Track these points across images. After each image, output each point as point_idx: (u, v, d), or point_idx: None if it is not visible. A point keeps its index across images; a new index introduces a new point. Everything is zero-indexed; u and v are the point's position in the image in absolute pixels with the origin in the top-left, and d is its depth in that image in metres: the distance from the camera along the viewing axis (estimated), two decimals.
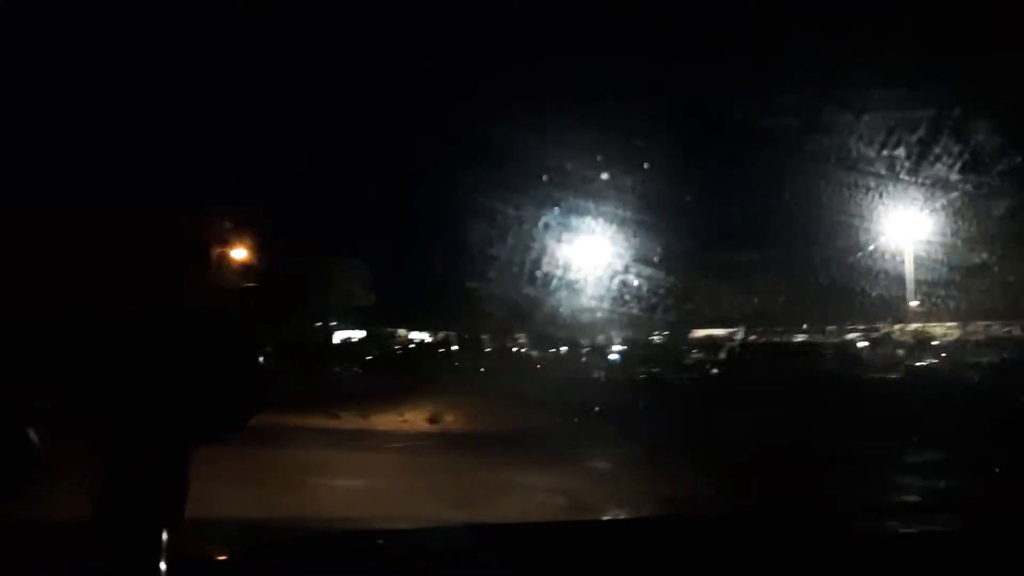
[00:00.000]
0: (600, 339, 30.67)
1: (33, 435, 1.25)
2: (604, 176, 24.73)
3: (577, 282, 27.88)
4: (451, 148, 25.48)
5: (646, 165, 23.98)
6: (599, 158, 24.21)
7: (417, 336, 34.95)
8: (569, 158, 23.89)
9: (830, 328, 29.16)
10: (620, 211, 25.88)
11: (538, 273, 26.64)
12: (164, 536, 1.24)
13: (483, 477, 8.40)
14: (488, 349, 31.96)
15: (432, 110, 25.46)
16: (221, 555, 1.77)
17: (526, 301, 28.37)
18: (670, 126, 23.07)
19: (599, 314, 28.73)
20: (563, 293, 27.76)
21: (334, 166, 25.49)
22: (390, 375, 26.76)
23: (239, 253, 24.48)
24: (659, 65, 23.45)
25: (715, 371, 22.87)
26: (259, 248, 25.05)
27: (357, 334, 34.93)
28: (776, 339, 27.60)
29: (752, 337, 28.18)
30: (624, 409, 14.05)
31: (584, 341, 29.96)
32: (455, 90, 25.86)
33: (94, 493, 1.24)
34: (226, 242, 24.18)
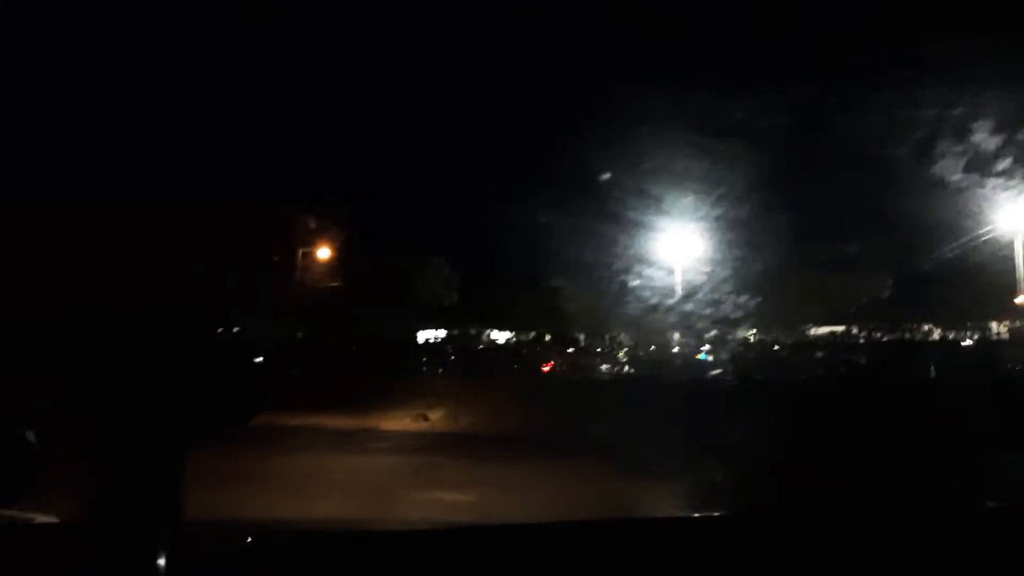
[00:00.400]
0: (691, 338, 29.80)
1: (31, 436, 1.25)
2: (692, 171, 23.94)
3: (666, 280, 27.13)
4: (535, 147, 24.99)
5: (739, 160, 23.18)
6: (688, 153, 23.49)
7: (500, 336, 34.60)
8: (656, 155, 23.26)
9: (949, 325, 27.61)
10: (711, 207, 25.10)
11: (625, 272, 26.00)
12: (162, 536, 1.25)
13: None
14: (571, 350, 31.37)
15: (516, 108, 25.06)
16: (219, 555, 1.72)
17: (611, 300, 27.66)
18: (767, 119, 22.09)
19: (689, 313, 27.86)
20: (650, 292, 27.02)
21: (420, 166, 25.29)
22: (475, 375, 26.42)
23: (323, 253, 24.30)
24: (754, 59, 22.54)
25: (848, 373, 20.48)
26: (344, 248, 24.87)
27: (438, 333, 34.77)
28: (906, 336, 26.10)
29: (879, 335, 26.73)
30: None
31: (675, 341, 29.09)
32: (537, 90, 25.38)
33: (92, 494, 1.24)
34: (311, 242, 24.05)
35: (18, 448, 1.24)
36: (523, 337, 33.34)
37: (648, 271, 26.70)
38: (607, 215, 24.33)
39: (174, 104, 20.51)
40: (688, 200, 25.47)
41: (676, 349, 28.84)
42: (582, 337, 30.94)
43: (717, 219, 24.98)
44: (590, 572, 1.73)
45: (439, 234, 27.63)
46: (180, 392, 1.26)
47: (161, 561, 1.23)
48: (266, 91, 21.59)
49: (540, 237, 26.04)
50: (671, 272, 27.68)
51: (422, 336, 34.14)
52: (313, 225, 24.18)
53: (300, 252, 23.90)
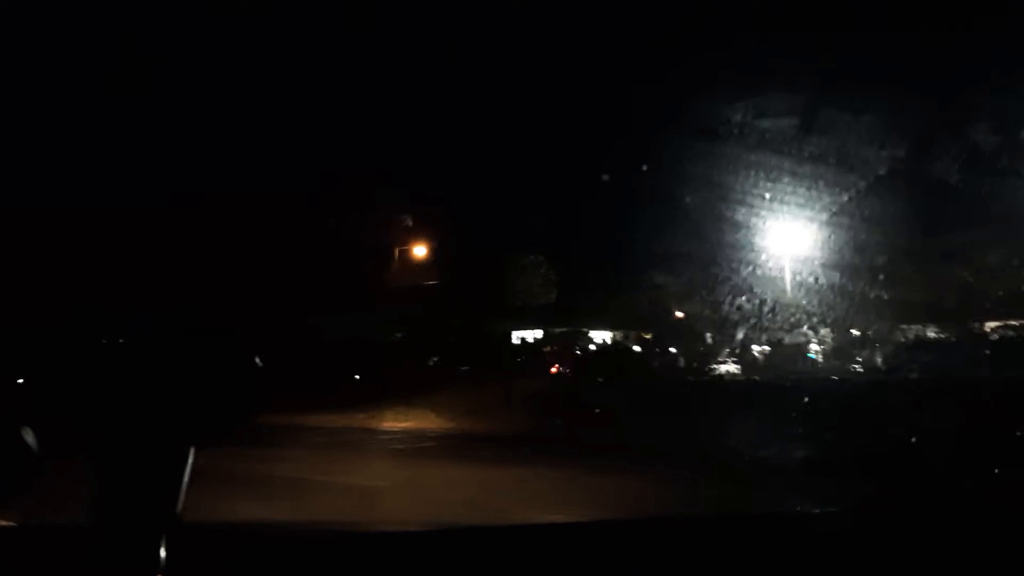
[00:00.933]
0: (800, 337, 28.47)
1: (30, 436, 1.25)
2: (798, 164, 22.73)
3: (771, 275, 25.90)
4: (634, 140, 24.14)
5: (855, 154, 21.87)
6: (797, 146, 22.32)
7: (599, 336, 33.76)
8: (765, 147, 22.18)
9: None
10: (822, 199, 23.81)
11: (730, 267, 24.91)
12: (162, 538, 1.25)
13: None
14: (673, 349, 30.34)
15: (615, 100, 24.32)
16: (219, 558, 1.70)
17: (716, 298, 26.54)
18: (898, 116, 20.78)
19: (797, 310, 26.54)
20: (757, 287, 25.84)
21: (517, 162, 24.70)
22: (572, 376, 25.67)
23: (420, 251, 23.83)
24: (886, 53, 21.24)
25: None
26: (440, 246, 24.39)
27: (535, 333, 34.14)
28: None
29: None
30: None
31: (786, 340, 27.80)
32: (635, 81, 24.55)
33: (91, 495, 1.24)
34: (407, 240, 23.63)
35: (17, 448, 1.23)
36: (623, 336, 32.34)
37: (755, 267, 25.53)
38: (712, 209, 23.32)
39: (269, 97, 20.43)
40: (798, 193, 24.22)
41: (785, 346, 27.65)
42: (684, 336, 29.92)
43: (832, 212, 23.63)
44: (589, 573, 1.70)
45: (537, 231, 26.94)
46: (181, 392, 1.25)
47: (162, 563, 1.23)
48: (365, 85, 21.35)
49: (641, 232, 25.18)
50: (780, 267, 26.42)
51: (517, 336, 33.69)
52: (410, 223, 23.74)
53: (397, 250, 23.48)
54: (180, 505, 1.26)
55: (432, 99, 22.62)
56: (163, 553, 1.23)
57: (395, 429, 15.84)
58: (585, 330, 33.64)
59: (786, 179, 23.06)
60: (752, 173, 22.48)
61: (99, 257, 19.38)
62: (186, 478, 1.26)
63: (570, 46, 22.88)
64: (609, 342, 33.29)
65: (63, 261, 19.08)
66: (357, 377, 23.92)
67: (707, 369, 25.69)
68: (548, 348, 31.71)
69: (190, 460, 1.27)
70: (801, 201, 24.01)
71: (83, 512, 1.24)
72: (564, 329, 33.03)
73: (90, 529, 1.24)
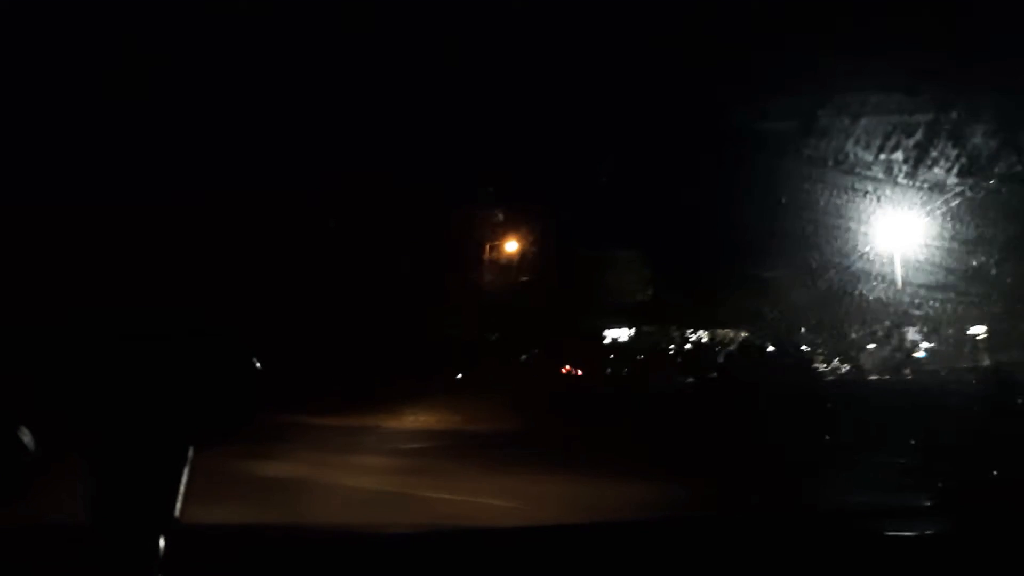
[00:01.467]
0: (907, 334, 26.91)
1: (26, 436, 1.25)
2: (916, 145, 21.36)
3: (884, 270, 24.43)
4: (736, 122, 23.00)
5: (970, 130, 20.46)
6: (908, 125, 21.00)
7: (694, 335, 32.50)
8: (875, 128, 20.94)
9: None
10: (941, 189, 22.34)
11: (836, 261, 23.59)
12: (161, 540, 1.25)
13: None
14: (770, 348, 28.95)
15: (709, 87, 23.35)
16: (217, 560, 1.70)
17: (821, 294, 25.17)
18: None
19: (906, 305, 25.03)
20: (866, 281, 24.43)
21: (611, 153, 23.85)
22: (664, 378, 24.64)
23: (511, 246, 23.05)
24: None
25: None
26: (533, 241, 23.59)
27: (626, 332, 33.09)
28: None
29: None
30: None
31: (892, 338, 26.27)
32: (734, 65, 23.54)
33: (89, 496, 1.24)
34: (499, 236, 22.90)
35: (15, 449, 1.23)
36: (718, 336, 30.96)
37: (864, 260, 24.15)
38: (817, 199, 22.05)
39: (349, 87, 20.19)
40: (914, 183, 22.78)
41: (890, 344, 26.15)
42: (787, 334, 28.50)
43: (951, 204, 22.12)
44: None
45: (632, 225, 25.93)
46: (180, 393, 1.24)
47: (160, 564, 1.23)
48: (456, 74, 20.95)
49: (738, 226, 24.04)
50: (889, 260, 24.93)
51: (608, 335, 32.69)
52: (501, 217, 23.03)
53: (488, 246, 22.77)
54: (179, 506, 1.26)
55: (524, 90, 22.08)
56: (161, 554, 1.23)
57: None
58: (680, 329, 32.44)
59: (901, 168, 21.75)
60: (862, 162, 21.31)
61: (107, 256, 19.42)
62: (185, 479, 1.26)
63: (664, 32, 22.07)
64: (705, 340, 32.08)
65: (67, 260, 19.16)
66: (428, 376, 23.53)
67: (824, 368, 24.35)
68: (670, 349, 30.65)
69: (189, 461, 1.27)
70: (917, 191, 22.63)
71: (81, 513, 1.25)
72: (664, 327, 31.83)
73: (88, 530, 1.24)
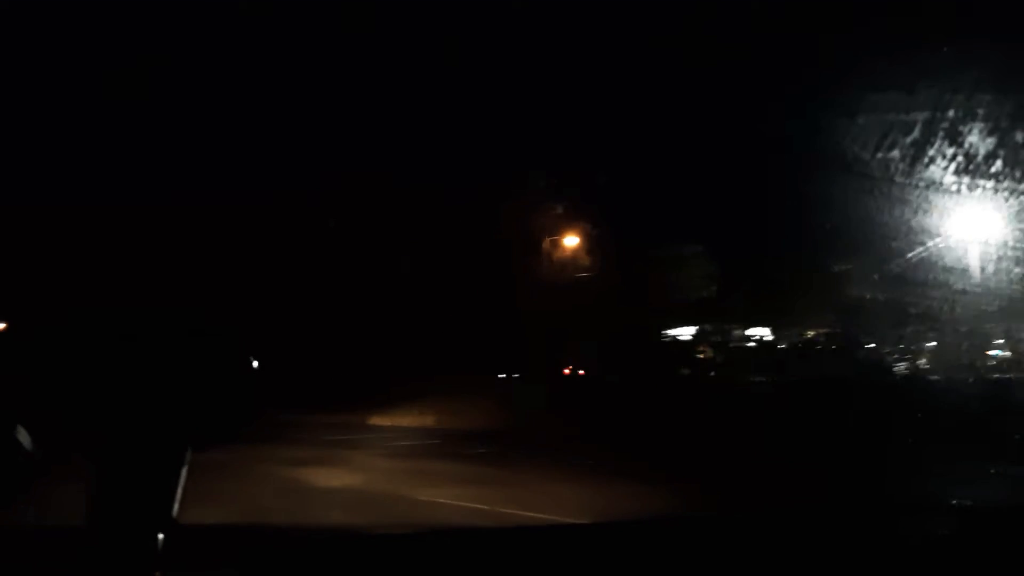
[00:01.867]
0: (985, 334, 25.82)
1: (25, 437, 1.24)
2: (995, 143, 20.48)
3: (958, 263, 23.41)
4: (806, 108, 22.28)
5: None
6: (983, 122, 20.13)
7: (758, 333, 31.48)
8: (953, 126, 20.09)
9: None
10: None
11: (905, 254, 22.63)
12: (159, 539, 1.26)
13: None
14: (834, 346, 27.97)
15: (775, 74, 22.72)
16: (214, 560, 1.69)
17: (890, 289, 24.19)
18: None
19: (982, 303, 23.99)
20: (938, 277, 23.42)
21: (674, 143, 23.26)
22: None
23: (571, 241, 22.46)
24: None
25: None
26: (593, 235, 22.99)
27: (687, 331, 32.23)
28: None
29: None
30: None
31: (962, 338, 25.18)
32: (805, 52, 22.93)
33: (88, 496, 1.26)
34: (557, 230, 22.36)
35: (13, 449, 1.23)
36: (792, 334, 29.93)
37: (936, 252, 23.13)
38: (885, 189, 21.20)
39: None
40: (989, 174, 21.78)
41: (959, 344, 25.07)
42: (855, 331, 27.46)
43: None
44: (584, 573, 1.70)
45: (696, 219, 25.23)
46: (179, 394, 1.25)
47: (158, 563, 1.25)
48: (523, 62, 20.72)
49: (807, 219, 23.26)
50: (964, 253, 23.86)
51: (668, 334, 31.89)
52: (560, 210, 22.49)
53: (546, 240, 22.25)
54: (176, 506, 1.27)
55: (590, 81, 21.71)
56: (159, 553, 1.24)
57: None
58: (739, 327, 31.52)
59: (976, 161, 20.82)
60: (937, 153, 20.43)
61: (107, 256, 19.41)
62: (183, 479, 1.27)
63: (737, 26, 21.55)
64: (769, 338, 31.14)
65: (67, 260, 19.19)
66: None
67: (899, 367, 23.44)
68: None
69: (187, 461, 1.27)
70: (993, 184, 21.63)
71: (81, 513, 1.25)
72: (728, 326, 30.87)
73: (87, 530, 1.26)
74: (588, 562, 1.78)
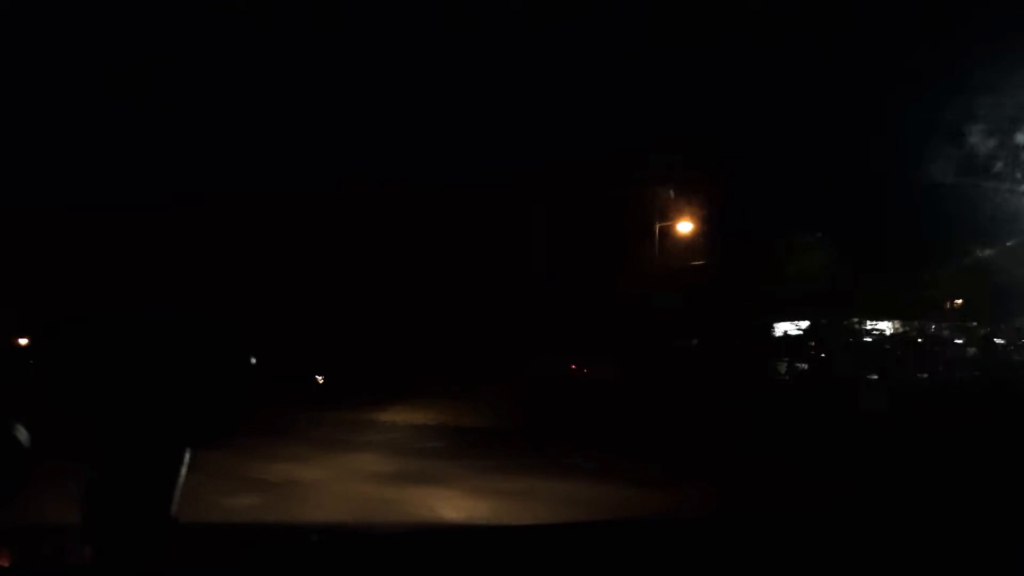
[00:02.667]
0: None
1: (22, 434, 1.27)
2: None
3: None
4: (938, 85, 20.68)
5: None
6: None
7: (886, 327, 29.52)
8: None
9: None
10: None
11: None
12: (158, 537, 1.26)
13: None
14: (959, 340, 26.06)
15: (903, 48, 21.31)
16: (212, 557, 1.66)
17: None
18: None
19: None
20: None
21: (794, 123, 21.91)
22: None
23: (685, 227, 21.22)
24: None
25: None
26: (708, 221, 21.73)
27: (799, 325, 30.55)
28: None
29: None
30: None
31: None
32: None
33: (88, 495, 1.25)
34: (670, 215, 21.16)
35: (10, 446, 1.25)
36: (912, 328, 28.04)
37: None
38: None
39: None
40: None
41: None
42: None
43: None
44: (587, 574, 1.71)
45: (815, 204, 23.71)
46: (177, 393, 1.25)
47: (157, 562, 1.25)
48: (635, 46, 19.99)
49: (935, 204, 21.57)
50: None
51: (779, 328, 30.26)
52: (672, 195, 21.29)
53: (657, 227, 21.06)
54: (175, 505, 1.27)
55: (707, 64, 20.86)
56: (158, 552, 1.24)
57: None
58: (861, 321, 29.67)
59: None
60: None
61: (112, 257, 19.46)
62: (181, 478, 1.27)
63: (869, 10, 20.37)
64: (888, 332, 29.29)
65: (68, 261, 19.21)
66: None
67: None
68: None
69: (186, 461, 1.27)
70: None
71: (80, 513, 1.25)
72: (848, 320, 29.07)
73: (86, 529, 1.24)
74: (588, 561, 1.74)
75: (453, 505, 7.52)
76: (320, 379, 25.70)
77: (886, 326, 29.44)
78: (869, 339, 28.84)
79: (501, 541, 1.98)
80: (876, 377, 22.27)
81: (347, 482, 8.86)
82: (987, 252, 21.78)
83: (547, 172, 20.44)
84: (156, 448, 1.24)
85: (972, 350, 24.75)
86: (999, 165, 19.40)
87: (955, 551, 1.63)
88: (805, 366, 26.39)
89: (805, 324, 30.07)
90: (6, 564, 1.55)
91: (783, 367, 25.67)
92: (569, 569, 1.71)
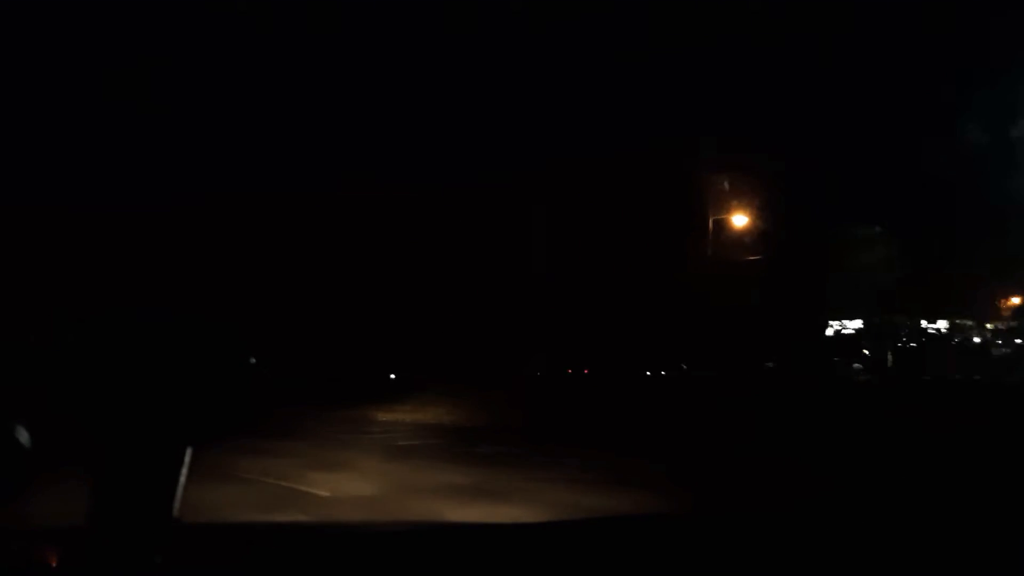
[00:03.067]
0: None
1: (23, 434, 1.26)
2: None
3: None
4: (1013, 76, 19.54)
5: None
6: None
7: (935, 326, 28.15)
8: None
9: None
10: None
11: None
12: (160, 537, 1.26)
13: None
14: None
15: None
16: (212, 557, 1.63)
17: None
18: None
19: None
20: None
21: (857, 113, 20.70)
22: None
23: (740, 220, 20.02)
24: None
25: None
26: (765, 214, 20.52)
27: (852, 324, 29.26)
28: None
29: None
30: None
31: None
32: None
33: (91, 495, 1.25)
34: (725, 207, 19.99)
35: (11, 447, 1.23)
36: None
37: None
38: None
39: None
40: None
41: None
42: None
43: None
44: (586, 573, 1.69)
45: (878, 198, 22.43)
46: (176, 393, 1.66)
47: (158, 561, 1.25)
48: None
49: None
50: None
51: (832, 328, 28.97)
52: (727, 186, 20.13)
53: (711, 220, 19.88)
54: (177, 505, 1.27)
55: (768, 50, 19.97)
56: (160, 552, 1.24)
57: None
58: (913, 318, 28.30)
59: None
60: None
61: (117, 258, 19.40)
62: (183, 478, 1.27)
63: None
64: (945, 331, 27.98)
65: (68, 262, 19.34)
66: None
67: None
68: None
69: (187, 461, 1.27)
70: None
71: (82, 512, 1.25)
72: (891, 317, 27.72)
73: (89, 528, 1.25)
74: (589, 559, 1.69)
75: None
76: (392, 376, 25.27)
77: (942, 325, 28.12)
78: (928, 338, 27.59)
79: (494, 540, 1.93)
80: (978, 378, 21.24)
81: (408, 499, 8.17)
82: None
83: (578, 166, 19.79)
84: (158, 448, 1.23)
85: None
86: None
87: None
88: (860, 366, 25.24)
89: (856, 323, 28.85)
90: (8, 564, 1.48)
91: (853, 365, 24.53)
92: (572, 567, 1.68)
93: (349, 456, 9.80)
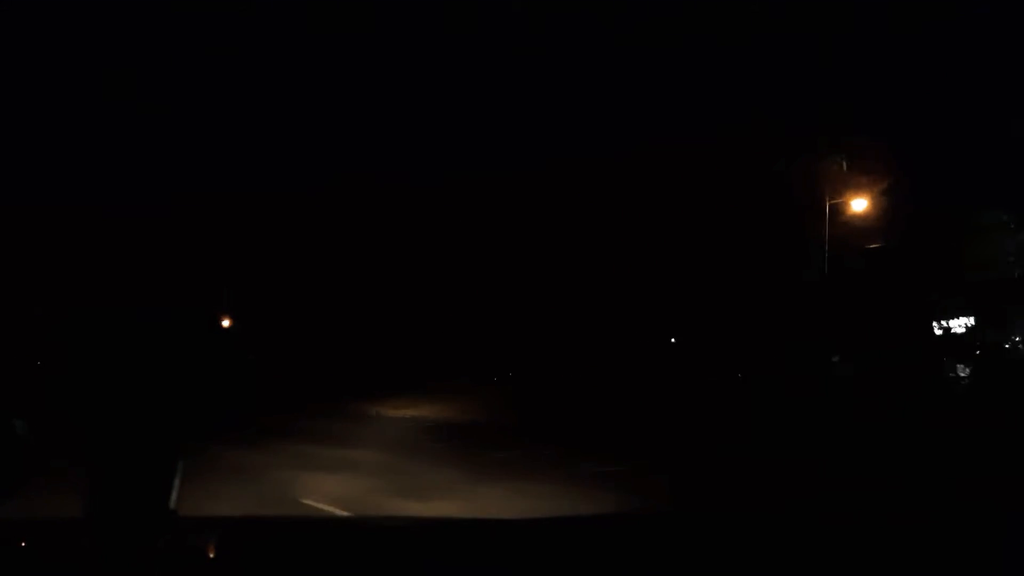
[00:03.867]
0: None
1: (21, 428, 1.31)
2: None
3: None
4: None
5: None
6: None
7: None
8: None
9: None
10: None
11: None
12: (157, 532, 1.28)
13: None
14: None
15: None
16: (212, 551, 1.67)
17: None
18: None
19: None
20: None
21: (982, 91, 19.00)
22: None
23: (859, 204, 18.32)
24: None
25: None
26: (887, 199, 18.79)
27: (963, 321, 27.17)
28: None
29: None
30: None
31: None
32: None
33: (89, 489, 1.26)
34: (844, 191, 18.31)
35: (10, 442, 1.29)
36: None
37: None
38: None
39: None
40: None
41: None
42: None
43: None
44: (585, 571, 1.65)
45: (1002, 180, 20.55)
46: (175, 391, 1.68)
47: (157, 558, 1.24)
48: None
49: None
50: None
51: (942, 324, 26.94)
52: (845, 167, 18.44)
53: (828, 204, 18.23)
54: (175, 500, 1.28)
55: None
56: (158, 546, 1.25)
57: None
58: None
59: None
60: None
61: (121, 257, 19.26)
62: (180, 474, 1.28)
63: None
64: None
65: (68, 262, 19.19)
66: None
67: None
68: None
69: (184, 455, 1.29)
70: None
71: (80, 507, 1.27)
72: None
73: (86, 523, 1.27)
74: (589, 556, 1.68)
75: None
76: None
77: None
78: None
79: (501, 536, 1.88)
80: None
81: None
82: None
83: (578, 166, 19.04)
84: (155, 444, 1.23)
85: None
86: None
87: None
88: (963, 367, 23.26)
89: (965, 320, 26.72)
90: (8, 559, 1.49)
91: (957, 366, 22.55)
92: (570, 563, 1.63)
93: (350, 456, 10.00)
